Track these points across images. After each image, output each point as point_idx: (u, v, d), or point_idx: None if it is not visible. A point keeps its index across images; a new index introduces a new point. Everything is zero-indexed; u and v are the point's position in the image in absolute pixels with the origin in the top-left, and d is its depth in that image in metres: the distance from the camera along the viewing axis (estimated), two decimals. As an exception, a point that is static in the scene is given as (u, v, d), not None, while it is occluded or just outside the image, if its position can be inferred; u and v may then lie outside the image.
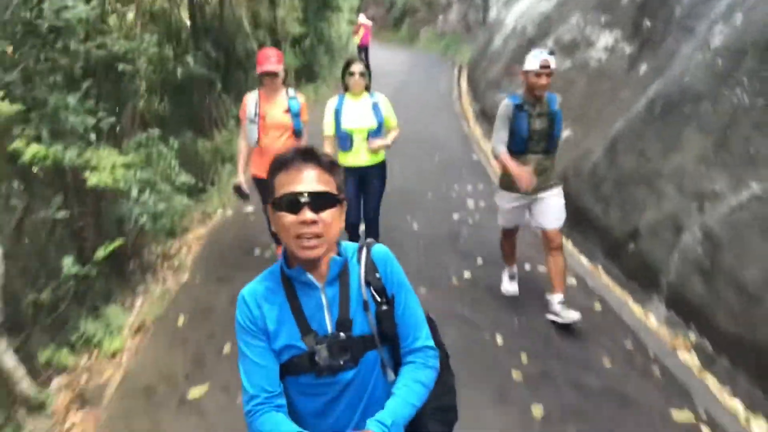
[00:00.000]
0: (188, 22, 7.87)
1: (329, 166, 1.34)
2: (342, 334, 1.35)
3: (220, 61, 8.00)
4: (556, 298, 3.66)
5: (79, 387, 3.26)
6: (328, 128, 3.93)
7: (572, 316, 3.56)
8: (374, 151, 3.92)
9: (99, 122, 3.57)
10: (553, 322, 3.64)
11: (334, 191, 1.33)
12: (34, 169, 3.48)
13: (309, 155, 1.33)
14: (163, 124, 5.11)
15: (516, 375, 3.14)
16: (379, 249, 1.47)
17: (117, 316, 3.84)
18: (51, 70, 3.15)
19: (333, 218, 1.31)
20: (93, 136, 3.48)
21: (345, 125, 3.88)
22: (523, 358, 3.30)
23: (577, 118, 6.50)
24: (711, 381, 3.24)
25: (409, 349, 1.44)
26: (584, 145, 5.83)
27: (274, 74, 3.88)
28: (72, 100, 3.09)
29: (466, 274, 4.33)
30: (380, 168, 4.08)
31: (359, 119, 3.89)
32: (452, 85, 13.84)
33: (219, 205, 6.14)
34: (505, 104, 3.62)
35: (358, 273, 1.41)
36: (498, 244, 4.12)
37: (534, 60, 3.48)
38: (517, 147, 3.61)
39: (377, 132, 3.93)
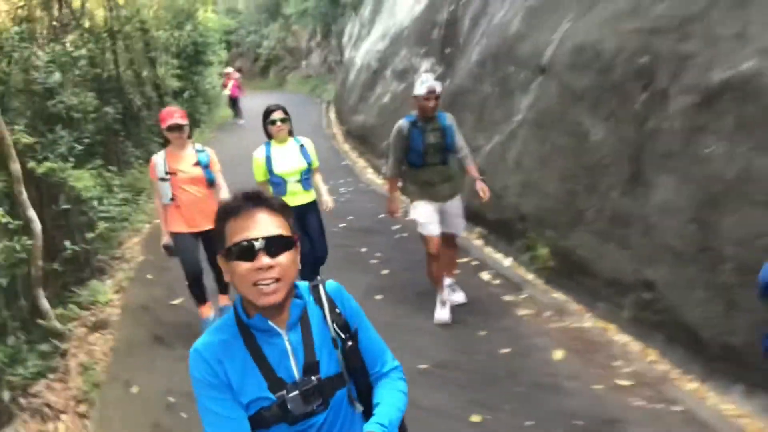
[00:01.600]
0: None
1: (280, 208, 1.32)
2: (312, 378, 1.31)
3: (120, 113, 9.52)
4: (446, 281, 4.29)
5: (90, 322, 4.83)
6: (260, 175, 4.08)
7: (459, 297, 4.30)
8: (326, 206, 4.31)
9: (71, 151, 5.21)
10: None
11: (288, 233, 1.29)
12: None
13: (258, 199, 1.29)
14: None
15: (373, 261, 5.25)
16: (332, 285, 1.46)
17: (99, 286, 5.40)
18: (42, 117, 4.80)
19: (290, 261, 1.27)
20: (72, 159, 5.11)
21: (277, 170, 4.01)
22: (378, 254, 5.41)
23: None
24: (498, 255, 5.47)
25: (380, 374, 1.46)
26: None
27: (180, 126, 4.00)
28: (65, 134, 4.75)
29: (341, 225, 6.39)
30: (314, 204, 4.29)
31: (290, 163, 4.03)
32: (321, 116, 16.09)
33: (145, 221, 7.70)
34: (399, 125, 3.98)
35: (319, 312, 1.39)
36: (365, 210, 6.15)
37: (421, 86, 3.86)
38: (416, 160, 3.97)
39: (307, 172, 4.12)
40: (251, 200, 1.28)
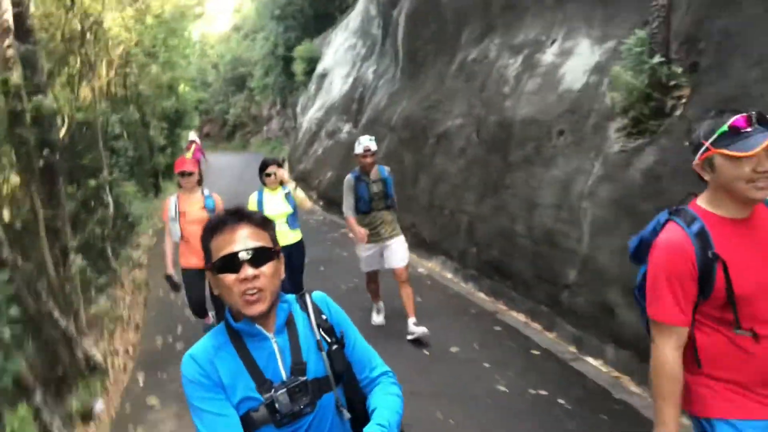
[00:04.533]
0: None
1: (261, 221, 1.40)
2: (300, 378, 1.37)
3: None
4: (411, 321, 4.70)
5: (131, 265, 8.59)
6: None
7: (421, 330, 4.61)
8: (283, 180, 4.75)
9: (122, 169, 9.12)
10: (411, 339, 4.63)
11: (269, 245, 1.37)
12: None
13: (240, 214, 1.38)
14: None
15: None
16: (319, 294, 1.55)
17: (132, 250, 9.16)
18: (110, 150, 8.68)
19: (273, 271, 1.36)
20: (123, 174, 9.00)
21: (266, 213, 4.32)
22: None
23: (333, 166, 13.09)
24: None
25: (370, 379, 1.51)
26: (326, 171, 12.41)
27: (190, 173, 4.56)
28: (121, 160, 8.65)
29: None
30: (299, 245, 4.89)
31: (277, 207, 4.62)
32: (277, 168, 20.24)
33: (150, 226, 11.49)
34: (347, 179, 4.66)
35: (304, 318, 1.47)
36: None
37: (359, 146, 4.58)
38: (364, 207, 4.63)
39: (293, 215, 4.73)
40: (233, 216, 1.37)
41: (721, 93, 3.70)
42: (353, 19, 15.81)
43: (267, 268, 1.34)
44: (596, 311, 4.24)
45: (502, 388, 3.74)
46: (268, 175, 4.67)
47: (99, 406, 4.42)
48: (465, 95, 7.42)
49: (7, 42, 4.69)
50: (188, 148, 18.35)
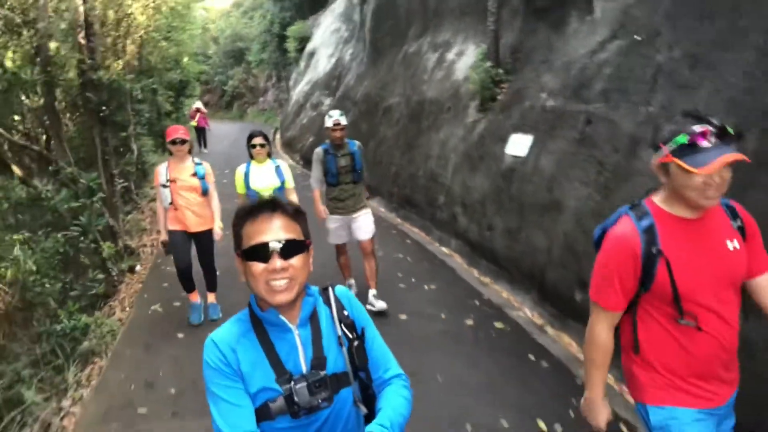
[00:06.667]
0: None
1: (294, 213, 1.41)
2: (320, 372, 1.39)
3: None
4: (371, 293, 4.95)
5: (148, 198, 11.17)
6: (240, 188, 4.68)
7: (381, 305, 4.85)
8: None
9: (143, 126, 11.65)
10: (369, 310, 4.61)
11: (300, 238, 1.39)
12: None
13: (274, 204, 1.39)
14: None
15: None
16: (342, 289, 1.57)
17: (148, 191, 11.72)
18: (134, 111, 11.19)
19: (302, 263, 1.38)
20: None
21: (253, 185, 4.62)
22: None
23: (313, 132, 15.59)
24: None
25: (383, 380, 1.52)
26: (308, 137, 14.94)
27: (183, 141, 4.57)
28: (143, 119, 11.15)
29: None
30: None
31: (264, 180, 4.64)
32: (269, 136, 22.69)
33: (159, 177, 14.07)
34: (316, 151, 4.78)
35: (327, 312, 1.50)
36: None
37: (329, 120, 4.71)
38: (332, 180, 4.75)
39: (280, 189, 4.71)
40: (268, 205, 1.39)
41: (519, 87, 6.26)
42: (339, 4, 18.06)
43: (296, 261, 1.37)
44: (450, 219, 6.86)
45: (380, 254, 6.37)
46: (254, 146, 4.71)
47: (138, 267, 7.06)
48: (403, 80, 9.93)
49: (81, 34, 7.20)
50: (192, 117, 20.31)
